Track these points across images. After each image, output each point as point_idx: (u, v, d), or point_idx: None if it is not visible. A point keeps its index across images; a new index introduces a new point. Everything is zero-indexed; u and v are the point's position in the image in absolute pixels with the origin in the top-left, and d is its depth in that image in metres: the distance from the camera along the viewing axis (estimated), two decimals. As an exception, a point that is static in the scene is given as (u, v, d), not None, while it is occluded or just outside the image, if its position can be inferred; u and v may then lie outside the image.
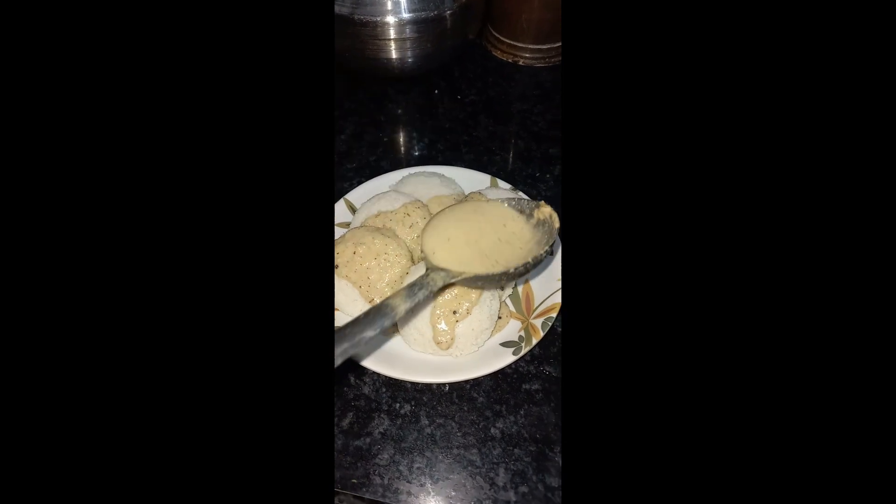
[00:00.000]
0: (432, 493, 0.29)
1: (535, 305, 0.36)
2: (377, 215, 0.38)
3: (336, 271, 0.35)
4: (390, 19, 0.46)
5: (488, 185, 0.42)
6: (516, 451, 0.30)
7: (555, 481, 0.29)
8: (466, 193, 0.41)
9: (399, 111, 0.52)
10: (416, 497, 0.28)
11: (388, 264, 0.35)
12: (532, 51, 0.56)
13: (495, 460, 0.30)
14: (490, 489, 0.29)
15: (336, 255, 0.35)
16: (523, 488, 0.29)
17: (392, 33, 0.47)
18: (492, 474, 0.29)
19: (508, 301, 0.36)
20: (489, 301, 0.33)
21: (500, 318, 0.35)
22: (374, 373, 0.33)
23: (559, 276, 0.36)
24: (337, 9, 0.46)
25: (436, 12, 0.47)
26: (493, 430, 0.31)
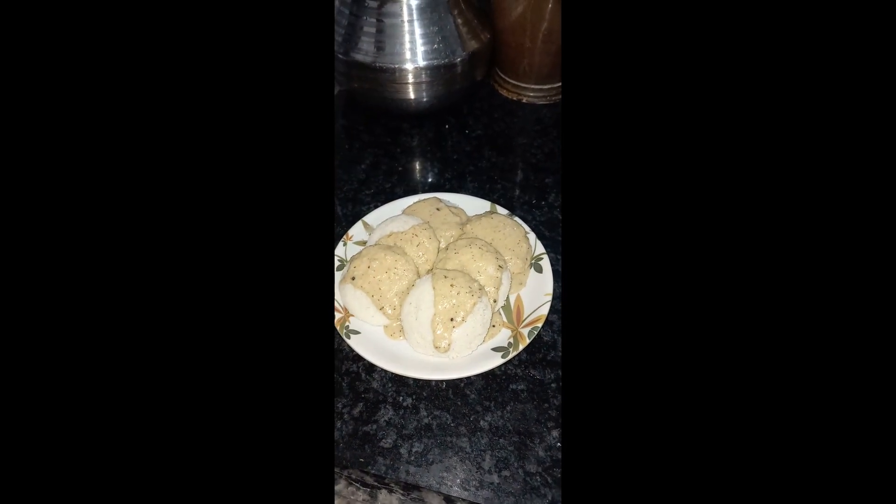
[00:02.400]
0: (427, 473, 0.33)
1: (525, 316, 0.41)
2: (389, 235, 0.44)
3: (352, 282, 0.41)
4: (408, 66, 0.53)
5: (488, 209, 0.48)
6: (501, 441, 0.35)
7: (533, 467, 0.33)
8: (467, 214, 0.47)
9: (412, 144, 0.59)
10: (413, 475, 0.33)
11: (396, 277, 0.41)
12: (534, 90, 0.63)
13: (482, 448, 0.34)
14: (477, 472, 0.33)
15: (353, 268, 0.41)
16: (505, 472, 0.33)
17: (409, 78, 0.54)
18: (479, 460, 0.34)
19: (501, 312, 0.41)
20: (482, 311, 0.38)
21: (493, 326, 0.40)
22: (381, 370, 0.38)
23: (547, 291, 0.41)
24: (360, 57, 0.54)
25: (447, 60, 0.54)
26: (482, 423, 0.36)
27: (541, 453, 0.34)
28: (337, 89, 0.65)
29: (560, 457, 0.34)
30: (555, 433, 0.35)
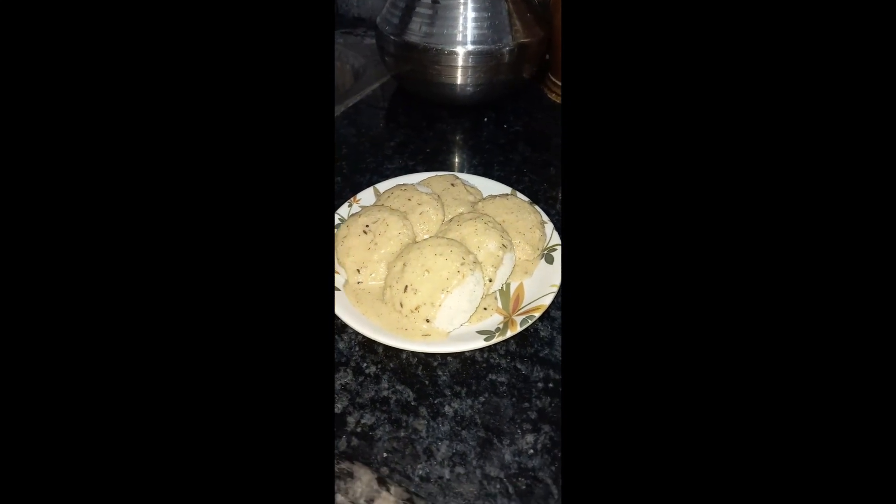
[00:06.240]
0: (368, 448, 0.28)
1: (522, 305, 0.35)
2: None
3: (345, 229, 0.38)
4: (456, 49, 0.52)
5: (508, 192, 0.44)
6: (463, 433, 0.29)
7: (494, 471, 0.27)
8: (484, 196, 0.44)
9: (446, 130, 0.57)
10: (355, 448, 0.28)
11: (387, 239, 0.38)
12: (584, 97, 0.59)
13: (440, 436, 0.29)
14: (426, 461, 0.28)
15: (346, 227, 0.39)
16: (460, 469, 0.28)
17: (455, 61, 0.53)
18: (433, 448, 0.28)
19: (497, 296, 0.36)
20: (472, 285, 0.34)
21: (484, 308, 0.35)
22: (353, 332, 0.35)
23: (553, 282, 0.36)
24: (411, 37, 0.54)
25: (494, 46, 0.53)
26: (446, 408, 0.30)
27: (507, 457, 0.28)
28: (387, 76, 0.66)
29: (530, 465, 0.28)
30: (529, 438, 0.29)
